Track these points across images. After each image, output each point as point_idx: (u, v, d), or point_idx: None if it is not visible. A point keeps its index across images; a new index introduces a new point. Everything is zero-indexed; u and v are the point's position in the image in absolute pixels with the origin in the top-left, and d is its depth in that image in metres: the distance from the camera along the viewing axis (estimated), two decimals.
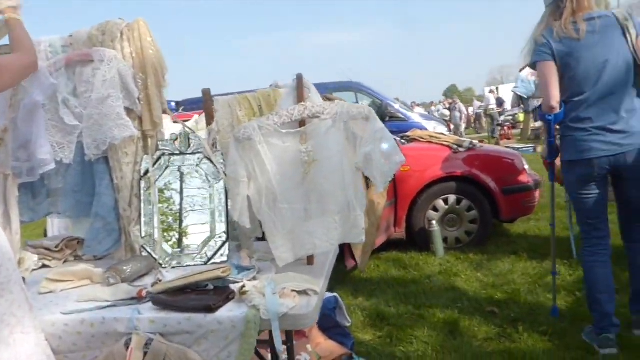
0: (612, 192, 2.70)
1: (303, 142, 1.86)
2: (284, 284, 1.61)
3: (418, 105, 22.56)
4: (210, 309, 1.51)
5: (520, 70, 4.06)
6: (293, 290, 1.60)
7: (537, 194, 4.82)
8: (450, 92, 53.33)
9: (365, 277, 4.12)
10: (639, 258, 2.65)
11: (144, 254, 2.08)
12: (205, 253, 2.08)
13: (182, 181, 2.17)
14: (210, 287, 1.65)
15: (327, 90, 5.99)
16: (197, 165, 2.17)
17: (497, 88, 21.88)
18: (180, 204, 2.15)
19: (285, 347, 1.73)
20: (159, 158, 2.18)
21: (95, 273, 1.92)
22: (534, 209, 4.93)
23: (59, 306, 1.69)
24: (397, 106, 8.70)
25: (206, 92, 2.25)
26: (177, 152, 2.20)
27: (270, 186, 1.84)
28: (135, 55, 2.16)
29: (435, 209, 4.69)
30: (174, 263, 2.06)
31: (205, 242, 2.09)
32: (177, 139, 2.22)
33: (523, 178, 4.69)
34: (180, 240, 2.10)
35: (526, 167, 4.81)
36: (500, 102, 17.61)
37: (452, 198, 4.67)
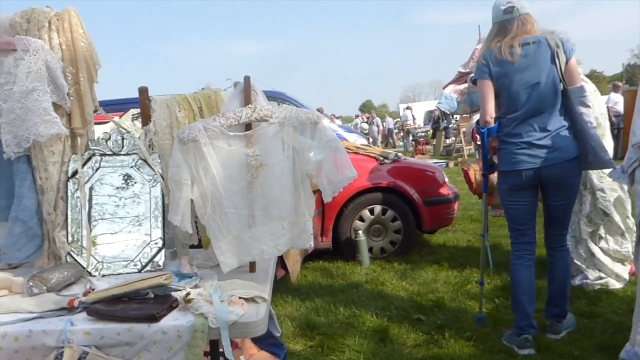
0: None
1: (250, 146, 1.82)
2: (231, 292, 1.55)
3: (337, 117, 23.01)
4: (154, 318, 1.42)
5: (444, 87, 4.26)
6: (241, 298, 1.55)
7: (456, 206, 5.06)
8: (366, 107, 55.04)
9: (293, 286, 4.09)
10: (556, 264, 2.88)
11: (70, 260, 1.92)
12: (139, 260, 1.96)
13: (91, 189, 2.02)
14: (151, 295, 1.55)
15: None
16: (121, 168, 2.04)
17: (409, 106, 22.88)
18: (89, 213, 1.99)
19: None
20: (89, 158, 2.04)
21: (14, 282, 1.74)
22: (453, 221, 5.17)
23: None
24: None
25: (143, 91, 2.13)
26: (110, 153, 2.06)
27: (215, 190, 1.78)
28: (65, 47, 2.01)
29: (362, 219, 4.77)
30: (104, 271, 1.92)
31: (139, 249, 1.97)
32: (109, 138, 2.08)
33: (444, 190, 4.91)
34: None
35: (446, 180, 5.04)
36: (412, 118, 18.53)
37: (377, 208, 4.78)
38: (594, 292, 3.56)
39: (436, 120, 17.93)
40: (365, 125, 20.28)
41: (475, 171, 4.01)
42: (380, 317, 3.38)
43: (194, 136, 1.76)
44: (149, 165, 2.05)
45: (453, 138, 16.82)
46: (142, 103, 2.14)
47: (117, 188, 2.03)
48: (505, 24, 2.73)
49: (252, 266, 1.91)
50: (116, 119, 3.76)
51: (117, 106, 4.92)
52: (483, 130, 2.76)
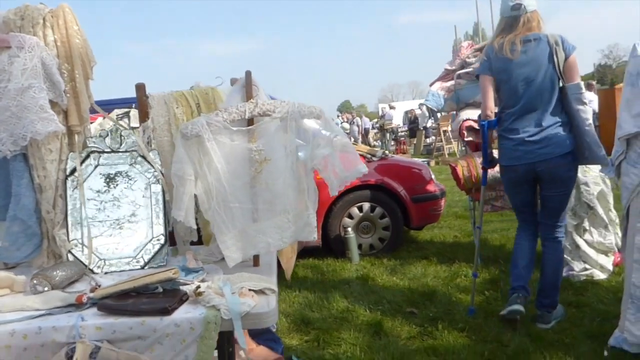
0: None
1: (253, 141, 1.83)
2: (240, 284, 1.56)
3: None
4: (167, 311, 1.42)
5: (431, 85, 4.31)
6: (250, 290, 1.56)
7: (442, 202, 5.12)
8: (345, 107, 55.17)
9: (285, 284, 4.09)
10: (549, 255, 2.96)
11: (71, 258, 1.90)
12: (142, 257, 1.95)
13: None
14: (160, 289, 1.55)
15: None
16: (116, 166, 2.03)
17: (392, 105, 23.04)
18: (80, 212, 1.97)
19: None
20: (87, 156, 2.02)
21: (16, 280, 1.71)
22: (440, 217, 5.24)
23: None
24: None
25: (140, 87, 2.13)
26: (108, 150, 2.05)
27: (219, 185, 1.78)
28: (60, 44, 1.99)
29: (351, 216, 4.81)
30: (106, 269, 1.91)
31: (142, 246, 1.96)
32: (107, 135, 2.07)
33: (430, 187, 4.97)
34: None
35: (433, 176, 5.10)
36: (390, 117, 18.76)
37: (366, 205, 4.82)
38: (580, 282, 3.65)
39: (413, 120, 18.17)
40: (347, 125, 20.36)
41: (462, 167, 4.07)
42: (373, 311, 3.42)
43: (197, 131, 1.76)
44: (148, 162, 2.05)
45: (433, 137, 17.01)
46: (140, 100, 2.13)
47: (98, 192, 2.01)
48: (512, 20, 2.82)
49: (256, 260, 1.92)
50: (100, 119, 3.74)
51: (101, 107, 4.86)
52: (484, 123, 2.88)
